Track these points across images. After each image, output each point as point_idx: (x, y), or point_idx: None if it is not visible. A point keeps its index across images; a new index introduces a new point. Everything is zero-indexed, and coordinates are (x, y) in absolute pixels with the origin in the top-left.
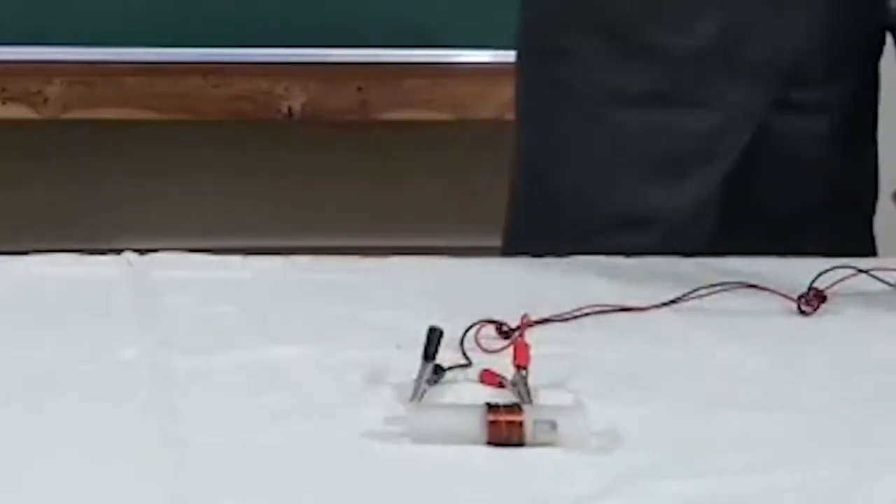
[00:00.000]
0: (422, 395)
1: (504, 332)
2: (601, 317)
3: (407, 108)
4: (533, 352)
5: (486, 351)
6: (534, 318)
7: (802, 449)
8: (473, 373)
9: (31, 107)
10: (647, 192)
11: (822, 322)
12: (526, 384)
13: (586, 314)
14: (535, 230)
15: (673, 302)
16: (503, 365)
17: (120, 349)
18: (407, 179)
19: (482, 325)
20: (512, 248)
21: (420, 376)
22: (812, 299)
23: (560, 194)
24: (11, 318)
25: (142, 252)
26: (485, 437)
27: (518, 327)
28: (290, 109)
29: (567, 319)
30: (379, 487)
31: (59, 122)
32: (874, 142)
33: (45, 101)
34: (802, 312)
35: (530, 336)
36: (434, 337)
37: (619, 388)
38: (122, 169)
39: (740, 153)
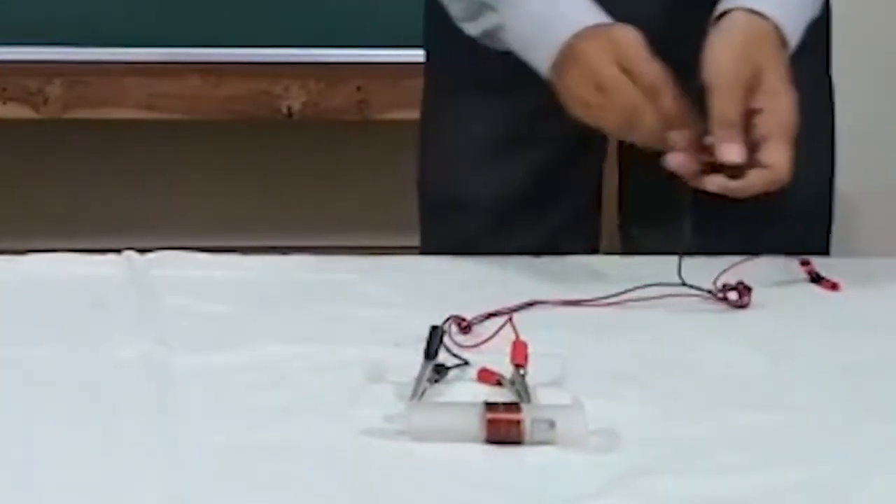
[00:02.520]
0: (422, 394)
1: (464, 327)
2: (598, 316)
3: (406, 108)
4: (530, 350)
5: (462, 346)
6: (486, 312)
7: (800, 447)
8: (472, 371)
9: (31, 107)
10: (472, 176)
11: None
12: (524, 383)
13: (524, 306)
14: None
15: (612, 297)
16: (503, 363)
17: (119, 348)
18: (406, 179)
19: (451, 322)
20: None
21: (421, 375)
22: (743, 292)
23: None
24: (11, 318)
25: (142, 252)
26: (484, 436)
27: (473, 322)
28: (289, 109)
29: (506, 313)
30: (379, 485)
31: (59, 122)
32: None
33: (45, 101)
34: (738, 307)
35: (528, 334)
36: (436, 336)
37: (617, 386)
38: (122, 168)
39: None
